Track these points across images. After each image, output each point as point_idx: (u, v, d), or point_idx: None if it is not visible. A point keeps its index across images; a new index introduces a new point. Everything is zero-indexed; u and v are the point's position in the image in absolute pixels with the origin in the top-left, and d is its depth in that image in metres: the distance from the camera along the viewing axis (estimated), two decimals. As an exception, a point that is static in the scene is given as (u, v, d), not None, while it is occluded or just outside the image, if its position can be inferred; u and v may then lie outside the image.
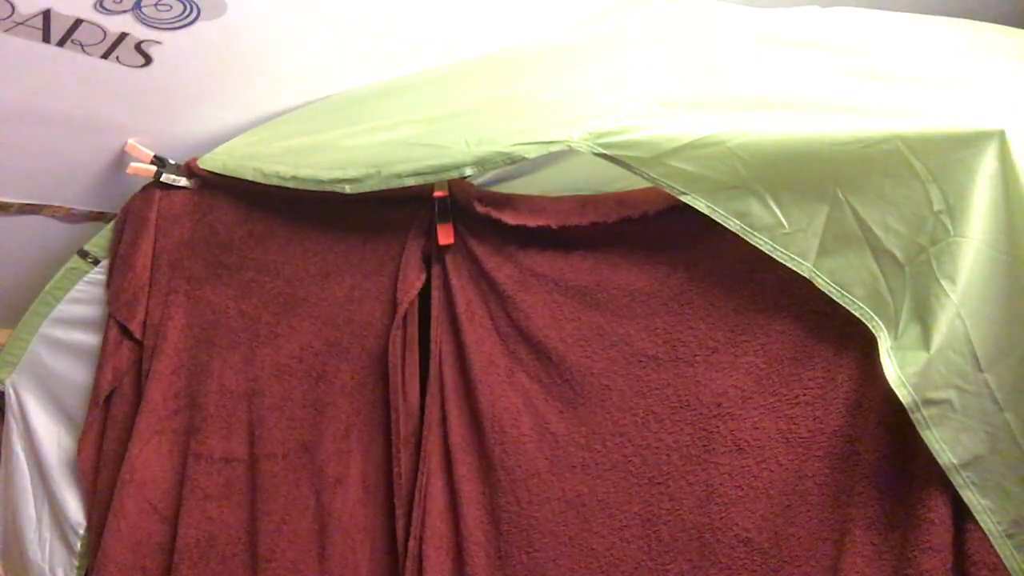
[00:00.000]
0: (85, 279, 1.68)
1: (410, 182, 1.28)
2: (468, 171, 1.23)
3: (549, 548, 1.19)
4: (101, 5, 1.25)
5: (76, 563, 1.67)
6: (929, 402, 0.93)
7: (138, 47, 1.36)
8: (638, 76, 1.19)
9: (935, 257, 0.94)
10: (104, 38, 1.32)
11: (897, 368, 0.95)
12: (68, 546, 1.67)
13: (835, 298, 1.01)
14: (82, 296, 1.69)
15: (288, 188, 1.42)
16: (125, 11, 1.27)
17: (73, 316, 1.70)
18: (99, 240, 1.67)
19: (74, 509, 1.66)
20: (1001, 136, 0.90)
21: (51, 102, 1.47)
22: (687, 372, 1.14)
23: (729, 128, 1.03)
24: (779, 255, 1.03)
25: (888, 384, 0.95)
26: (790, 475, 1.05)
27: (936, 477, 0.93)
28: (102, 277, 1.67)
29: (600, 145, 1.11)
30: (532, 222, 1.25)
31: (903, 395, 0.94)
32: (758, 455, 1.08)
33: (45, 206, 1.75)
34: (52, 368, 1.72)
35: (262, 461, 1.45)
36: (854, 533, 1.00)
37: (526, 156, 1.17)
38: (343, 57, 1.49)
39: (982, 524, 0.92)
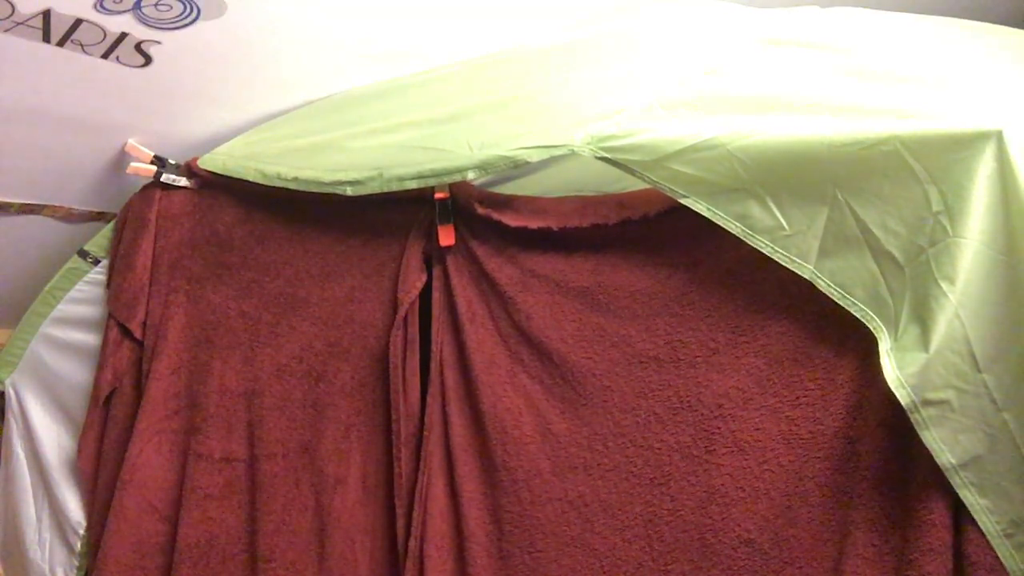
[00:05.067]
0: (85, 279, 1.68)
1: (412, 185, 1.27)
2: (471, 175, 1.23)
3: (551, 548, 1.19)
4: (101, 5, 1.25)
5: (76, 563, 1.66)
6: (928, 403, 0.93)
7: (138, 47, 1.36)
8: (639, 77, 1.19)
9: (934, 258, 0.94)
10: (104, 38, 1.32)
11: (896, 369, 0.95)
12: (68, 546, 1.67)
13: (836, 300, 1.01)
14: (82, 296, 1.69)
15: (289, 188, 1.42)
16: (125, 11, 1.27)
17: (73, 316, 1.70)
18: (99, 240, 1.67)
19: (74, 509, 1.66)
20: (999, 136, 0.90)
21: (51, 102, 1.47)
22: (688, 373, 1.14)
23: (729, 131, 1.03)
24: (780, 257, 1.04)
25: (888, 385, 0.95)
26: (791, 476, 1.06)
27: (936, 478, 0.94)
28: (102, 277, 1.67)
29: (602, 149, 1.11)
30: (533, 223, 1.25)
31: (902, 396, 0.94)
32: (759, 456, 1.08)
33: (45, 206, 1.75)
34: (52, 368, 1.72)
35: (262, 461, 1.45)
36: (855, 534, 1.00)
37: (529, 160, 1.17)
38: (343, 57, 1.49)
39: (980, 524, 0.92)
